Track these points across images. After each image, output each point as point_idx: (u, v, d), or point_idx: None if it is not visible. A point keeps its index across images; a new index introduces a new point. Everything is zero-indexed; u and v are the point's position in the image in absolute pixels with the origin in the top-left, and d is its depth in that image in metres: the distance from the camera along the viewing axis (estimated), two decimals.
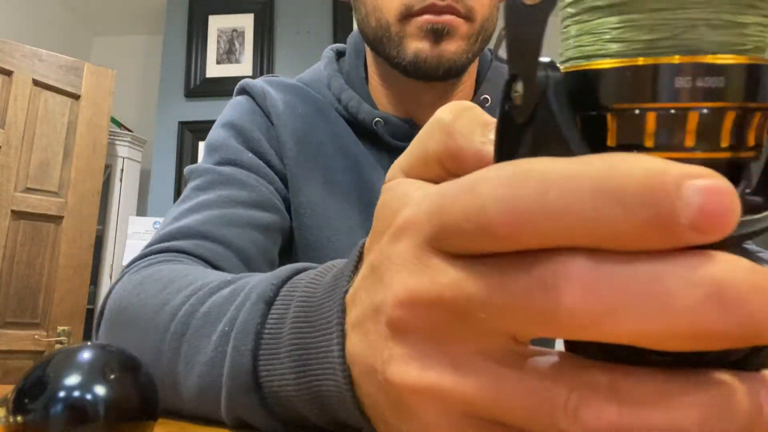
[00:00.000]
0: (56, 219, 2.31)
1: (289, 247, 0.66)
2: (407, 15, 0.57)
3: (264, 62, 2.81)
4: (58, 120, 2.37)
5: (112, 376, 0.24)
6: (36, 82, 2.31)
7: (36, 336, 2.20)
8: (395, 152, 0.64)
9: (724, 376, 0.15)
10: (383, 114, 0.64)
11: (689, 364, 0.16)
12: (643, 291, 0.14)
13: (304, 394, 0.26)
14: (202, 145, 2.74)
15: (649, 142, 0.16)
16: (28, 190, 2.25)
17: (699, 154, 0.16)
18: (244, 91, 0.70)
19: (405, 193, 0.20)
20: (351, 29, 2.80)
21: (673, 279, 0.14)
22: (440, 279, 0.17)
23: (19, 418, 0.23)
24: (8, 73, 2.23)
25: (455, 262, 0.17)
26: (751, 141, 0.16)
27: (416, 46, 0.57)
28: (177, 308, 0.36)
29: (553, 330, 0.15)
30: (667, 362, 0.16)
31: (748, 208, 0.16)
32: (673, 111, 0.15)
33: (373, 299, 0.20)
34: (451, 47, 0.57)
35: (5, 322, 2.15)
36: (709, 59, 0.15)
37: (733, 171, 0.16)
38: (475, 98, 0.66)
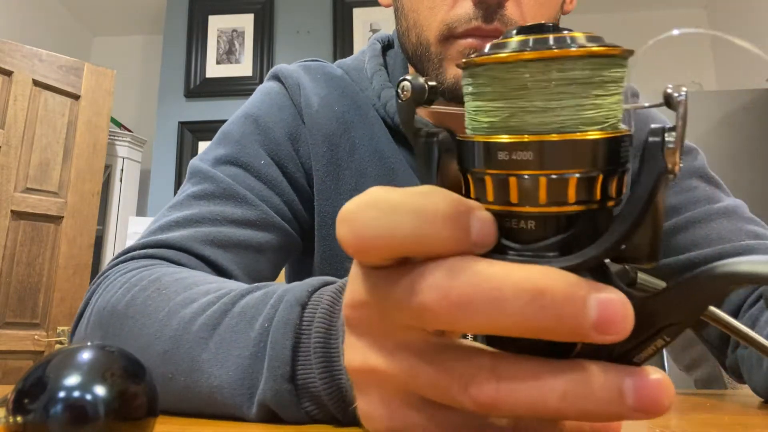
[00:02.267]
0: (56, 219, 2.31)
1: (303, 258, 0.64)
2: (449, 36, 0.53)
3: (264, 62, 2.81)
4: (58, 120, 2.37)
5: (112, 376, 0.24)
6: (36, 82, 2.31)
7: (36, 336, 2.20)
8: None
9: (592, 366, 0.19)
10: (421, 119, 0.60)
11: (572, 356, 0.20)
12: (484, 296, 0.19)
13: (327, 388, 0.31)
14: (202, 145, 2.75)
15: (489, 197, 0.21)
16: (28, 190, 2.25)
17: (525, 209, 0.20)
18: (277, 78, 0.65)
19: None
20: (351, 29, 2.80)
21: (507, 287, 0.18)
22: (363, 286, 0.22)
23: (19, 419, 0.23)
24: (8, 73, 2.23)
25: (371, 273, 0.22)
26: (572, 198, 0.20)
27: (456, 72, 0.53)
28: (206, 306, 0.38)
29: (427, 323, 0.20)
30: (554, 353, 0.20)
31: (577, 245, 0.20)
32: (500, 176, 0.21)
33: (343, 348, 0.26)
34: None
35: (5, 322, 2.15)
36: (524, 138, 0.20)
37: (560, 221, 0.21)
38: None
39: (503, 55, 0.20)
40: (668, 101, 0.20)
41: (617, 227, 0.20)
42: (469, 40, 0.52)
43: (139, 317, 0.40)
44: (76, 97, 2.43)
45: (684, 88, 0.20)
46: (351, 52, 2.77)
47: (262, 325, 0.34)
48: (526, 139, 0.20)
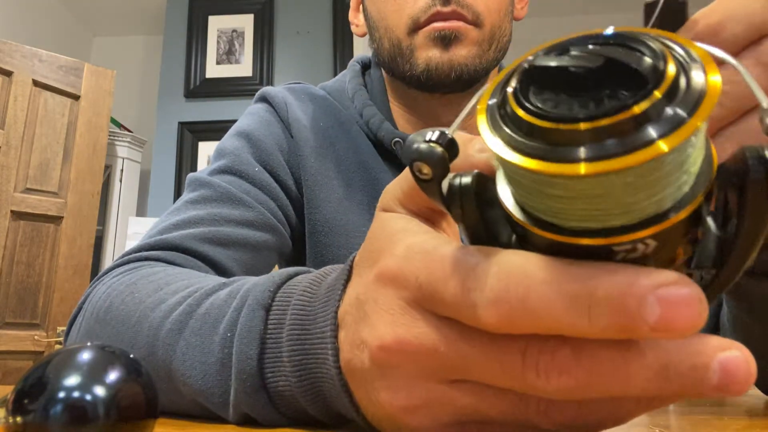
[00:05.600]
0: (56, 219, 2.31)
1: (295, 264, 0.65)
2: (415, 28, 0.59)
3: (264, 63, 2.81)
4: (58, 120, 2.37)
5: (112, 377, 0.24)
6: (36, 83, 2.31)
7: (36, 336, 2.20)
8: None
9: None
10: (403, 135, 0.64)
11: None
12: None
13: (306, 393, 0.29)
14: (202, 145, 2.75)
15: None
16: (28, 190, 2.25)
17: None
18: (264, 100, 0.69)
19: (393, 235, 0.23)
20: (351, 30, 2.81)
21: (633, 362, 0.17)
22: (419, 331, 0.21)
23: (18, 419, 0.23)
24: (8, 74, 2.24)
25: (433, 320, 0.20)
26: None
27: (426, 55, 0.59)
28: (173, 307, 0.36)
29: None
30: None
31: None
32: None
33: (360, 333, 0.24)
34: (462, 51, 0.58)
35: (5, 322, 2.15)
36: (644, 233, 0.16)
37: None
38: None
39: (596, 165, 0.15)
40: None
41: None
42: (433, 25, 0.58)
43: (114, 324, 0.39)
44: (76, 98, 2.43)
45: None
46: (350, 53, 2.77)
47: (224, 334, 0.32)
48: (647, 234, 0.16)
